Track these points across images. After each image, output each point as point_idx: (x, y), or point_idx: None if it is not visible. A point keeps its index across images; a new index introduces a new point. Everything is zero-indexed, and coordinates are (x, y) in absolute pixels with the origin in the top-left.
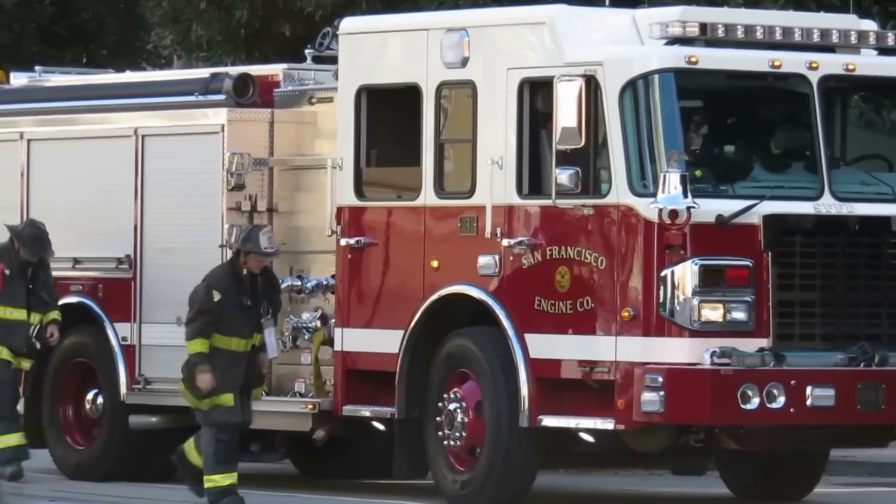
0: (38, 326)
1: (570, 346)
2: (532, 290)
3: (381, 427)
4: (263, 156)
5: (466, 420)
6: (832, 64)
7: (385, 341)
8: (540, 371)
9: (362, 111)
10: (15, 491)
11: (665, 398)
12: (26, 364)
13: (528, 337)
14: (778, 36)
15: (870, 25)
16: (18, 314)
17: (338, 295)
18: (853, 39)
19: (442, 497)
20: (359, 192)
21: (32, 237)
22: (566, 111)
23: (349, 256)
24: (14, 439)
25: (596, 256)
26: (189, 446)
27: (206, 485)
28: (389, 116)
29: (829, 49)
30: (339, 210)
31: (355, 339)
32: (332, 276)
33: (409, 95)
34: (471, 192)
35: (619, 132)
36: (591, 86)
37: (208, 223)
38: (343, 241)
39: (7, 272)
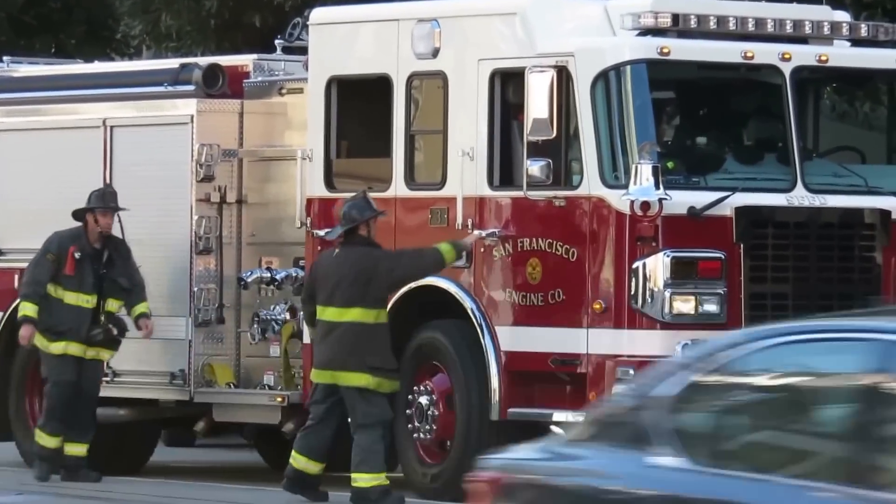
0: (111, 314)
1: (542, 339)
2: (503, 282)
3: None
4: (233, 147)
5: (437, 413)
6: (805, 55)
7: None
8: (511, 363)
9: (332, 102)
10: None
11: None
12: (105, 355)
13: (499, 329)
14: (751, 27)
15: (843, 17)
16: (88, 301)
17: None
18: (826, 30)
19: (412, 490)
20: (329, 184)
21: (100, 191)
22: (537, 102)
23: (319, 248)
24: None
25: (567, 248)
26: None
27: None
28: (360, 107)
29: (802, 40)
30: (309, 201)
31: None
32: (302, 268)
33: (379, 86)
34: (441, 184)
35: (591, 123)
36: (563, 77)
37: (177, 214)
38: (313, 233)
39: (77, 255)
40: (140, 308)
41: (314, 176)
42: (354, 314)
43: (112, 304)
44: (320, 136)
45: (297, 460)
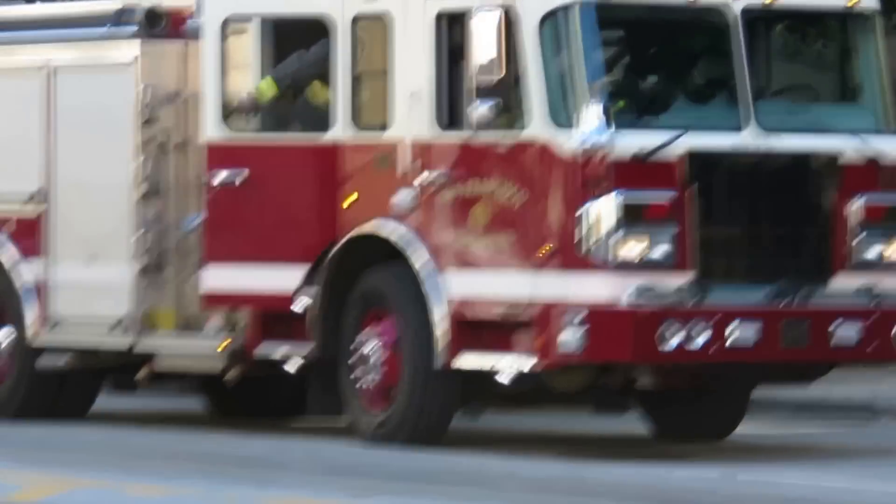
0: None
1: (488, 284)
2: (449, 227)
3: (291, 370)
4: (176, 89)
5: (382, 359)
6: None
7: (299, 280)
8: (457, 309)
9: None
10: None
11: (585, 336)
12: None
13: (445, 274)
14: None
15: None
16: None
17: None
18: None
19: (358, 436)
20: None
21: None
22: (483, 44)
23: None
24: None
25: (514, 192)
26: None
27: None
28: (302, 48)
29: None
30: None
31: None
32: None
33: (320, 28)
34: (387, 127)
35: (539, 65)
36: (509, 18)
37: (121, 158)
38: None
39: None
40: None
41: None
42: None
43: None
44: (256, 79)
45: None
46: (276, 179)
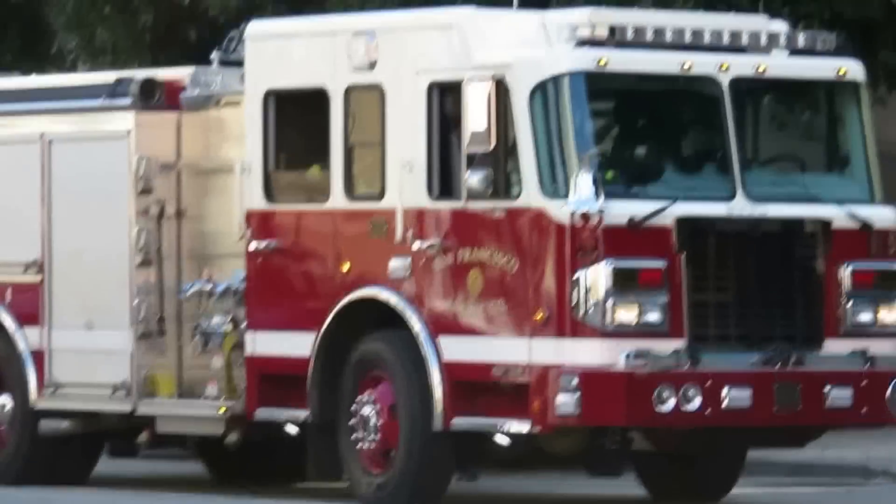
0: None
1: (484, 349)
2: (444, 293)
3: (293, 431)
4: (171, 160)
5: (380, 423)
6: (743, 65)
7: (297, 345)
8: (453, 374)
9: (270, 115)
10: None
11: (580, 400)
12: None
13: (441, 340)
14: (688, 38)
15: (780, 27)
16: None
17: (248, 299)
18: (763, 41)
19: (357, 500)
20: (268, 196)
21: None
22: (475, 114)
23: (259, 260)
24: None
25: (508, 259)
26: None
27: None
28: (298, 119)
29: (740, 50)
30: (249, 214)
31: (267, 343)
32: (243, 280)
33: (317, 99)
34: (381, 195)
35: (529, 135)
36: (501, 88)
37: (117, 227)
38: (253, 245)
39: None
40: None
41: (253, 188)
42: None
43: None
44: (258, 149)
45: None
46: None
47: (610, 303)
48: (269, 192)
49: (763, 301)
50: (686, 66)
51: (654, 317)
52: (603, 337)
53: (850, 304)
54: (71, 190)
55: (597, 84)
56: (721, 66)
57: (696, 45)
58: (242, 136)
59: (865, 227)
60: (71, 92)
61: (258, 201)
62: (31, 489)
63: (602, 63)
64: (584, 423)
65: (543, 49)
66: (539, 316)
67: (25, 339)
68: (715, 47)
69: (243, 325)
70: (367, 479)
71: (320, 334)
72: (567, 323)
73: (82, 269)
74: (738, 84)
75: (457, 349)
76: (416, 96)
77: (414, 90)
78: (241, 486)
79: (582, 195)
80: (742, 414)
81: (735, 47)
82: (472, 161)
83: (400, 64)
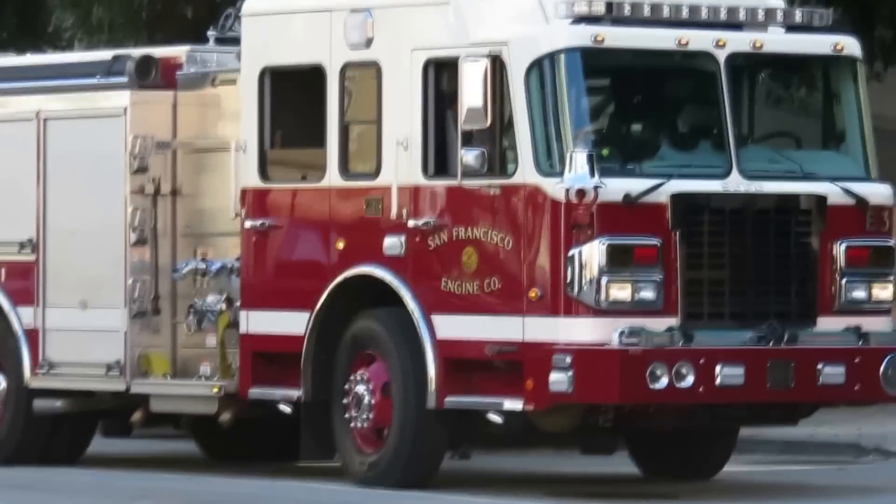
0: None
1: (478, 327)
2: (438, 271)
3: (287, 409)
4: (167, 138)
5: (373, 401)
6: (739, 41)
7: (291, 323)
8: (447, 352)
9: (266, 92)
10: None
11: (574, 378)
12: None
13: (435, 317)
14: (685, 14)
15: (777, 3)
16: None
17: (243, 277)
18: (760, 17)
19: (350, 478)
20: (263, 174)
21: None
22: (471, 91)
23: (254, 239)
24: None
25: (503, 237)
26: None
27: None
28: (293, 97)
29: (737, 26)
30: (244, 192)
31: (261, 322)
32: (237, 259)
33: (313, 76)
34: (376, 173)
35: (525, 112)
36: (497, 65)
37: (112, 206)
38: (248, 224)
39: None
40: None
41: (248, 167)
42: None
43: None
44: (254, 127)
45: None
46: (290, 227)
47: (604, 280)
48: (264, 170)
49: (757, 278)
50: (683, 42)
51: (648, 294)
52: (597, 315)
53: (845, 280)
54: (66, 168)
55: (593, 60)
56: (717, 42)
57: (693, 21)
58: (238, 114)
59: (861, 204)
60: (67, 70)
61: (253, 179)
62: (24, 468)
63: (599, 39)
64: (577, 401)
65: (540, 25)
66: (533, 293)
67: (19, 318)
68: (712, 23)
69: (237, 303)
70: (360, 457)
71: (314, 313)
72: (561, 300)
73: (77, 248)
74: (735, 60)
75: (451, 327)
76: (413, 73)
77: (410, 67)
78: (234, 464)
79: (577, 172)
80: (735, 391)
81: (732, 23)
82: (468, 138)
83: (396, 41)
